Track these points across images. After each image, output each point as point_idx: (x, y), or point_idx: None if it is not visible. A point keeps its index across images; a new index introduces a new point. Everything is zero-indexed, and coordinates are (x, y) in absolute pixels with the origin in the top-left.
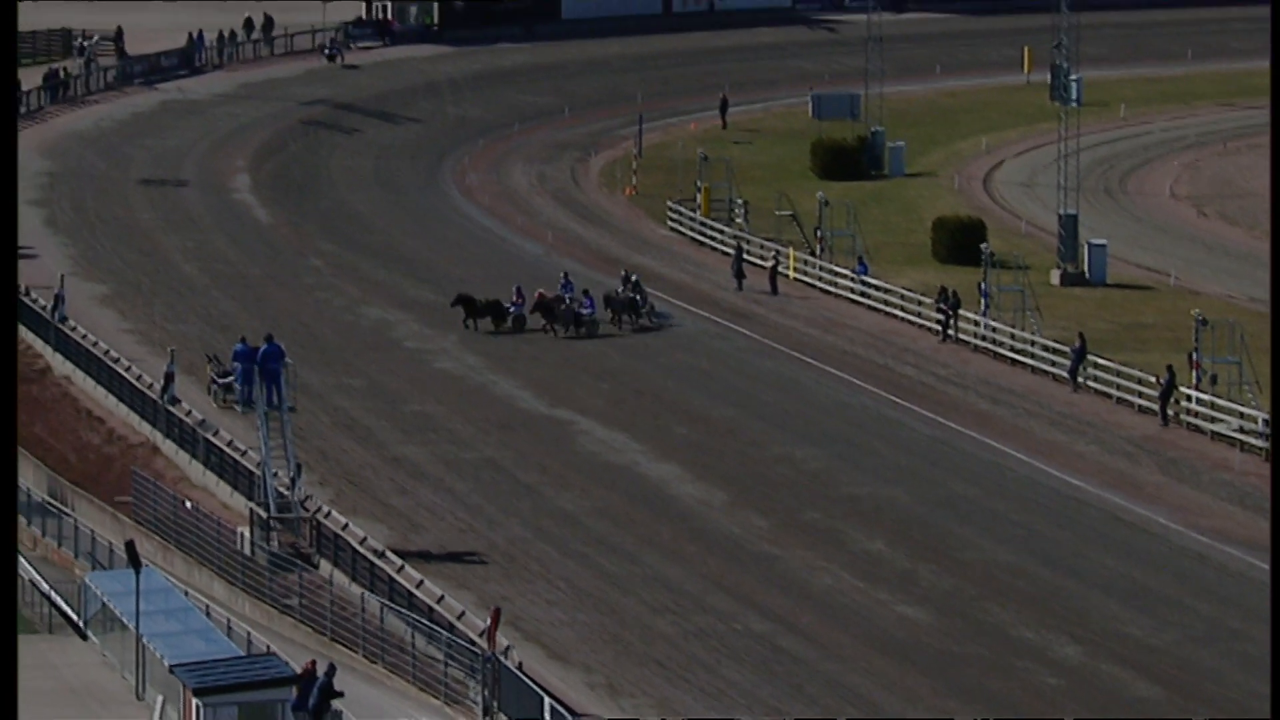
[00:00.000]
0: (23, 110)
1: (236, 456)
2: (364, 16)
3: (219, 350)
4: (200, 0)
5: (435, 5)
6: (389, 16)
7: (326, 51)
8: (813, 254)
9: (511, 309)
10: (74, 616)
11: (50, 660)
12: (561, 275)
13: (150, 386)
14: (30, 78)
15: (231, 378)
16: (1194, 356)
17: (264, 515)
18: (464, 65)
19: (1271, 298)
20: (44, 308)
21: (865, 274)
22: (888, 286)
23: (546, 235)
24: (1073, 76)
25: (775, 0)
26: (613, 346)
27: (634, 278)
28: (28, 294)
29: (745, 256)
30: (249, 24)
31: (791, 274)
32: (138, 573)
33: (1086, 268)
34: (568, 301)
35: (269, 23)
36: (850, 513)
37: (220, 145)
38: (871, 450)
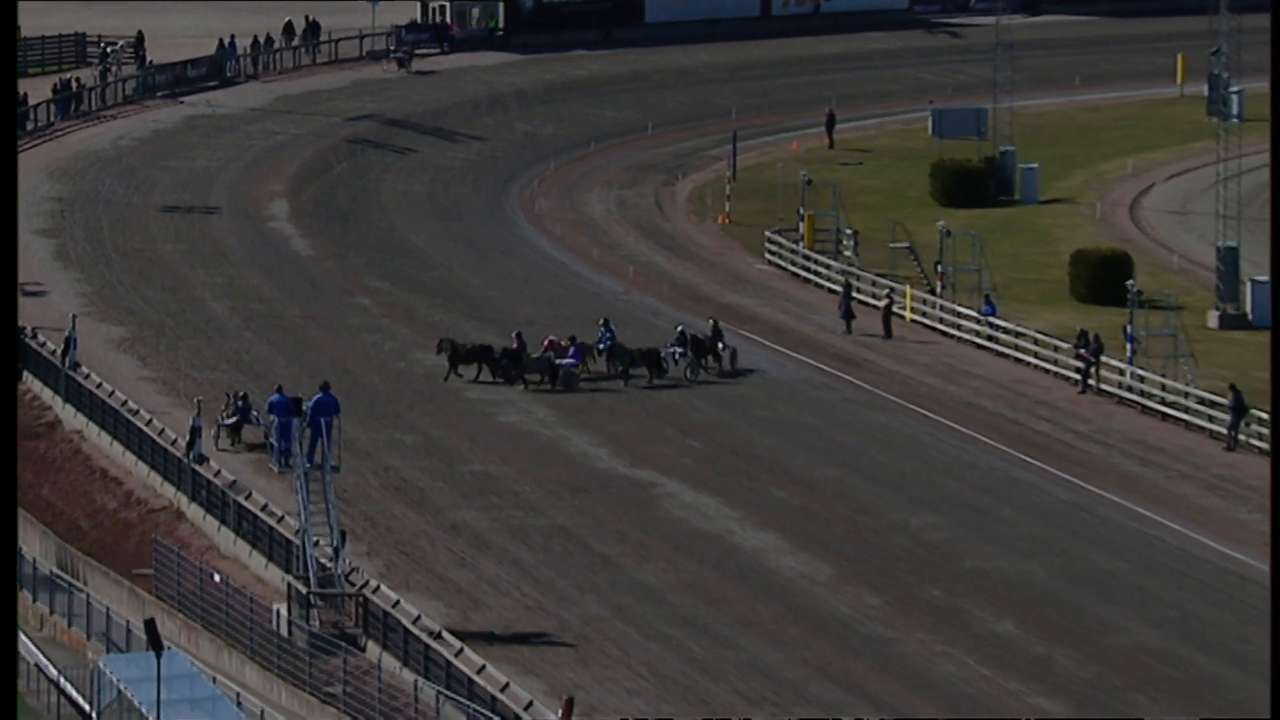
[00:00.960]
0: (30, 126)
1: (272, 523)
2: (419, 20)
3: (244, 393)
4: (232, 1)
5: (500, 7)
6: (448, 20)
7: (395, 55)
8: (932, 292)
9: (503, 358)
10: (85, 706)
11: None
12: (600, 322)
13: (174, 443)
14: (38, 89)
15: (237, 418)
16: None
17: (303, 590)
18: (533, 75)
19: (1271, 297)
20: (53, 352)
21: (993, 315)
22: (1019, 329)
23: (627, 270)
24: (1233, 88)
25: (889, 1)
26: (701, 398)
27: (684, 330)
28: (35, 337)
29: (855, 295)
30: (289, 29)
31: (908, 315)
32: (159, 656)
33: (1249, 308)
34: (527, 351)
35: (313, 27)
36: (976, 589)
37: (254, 167)
38: (1000, 518)
